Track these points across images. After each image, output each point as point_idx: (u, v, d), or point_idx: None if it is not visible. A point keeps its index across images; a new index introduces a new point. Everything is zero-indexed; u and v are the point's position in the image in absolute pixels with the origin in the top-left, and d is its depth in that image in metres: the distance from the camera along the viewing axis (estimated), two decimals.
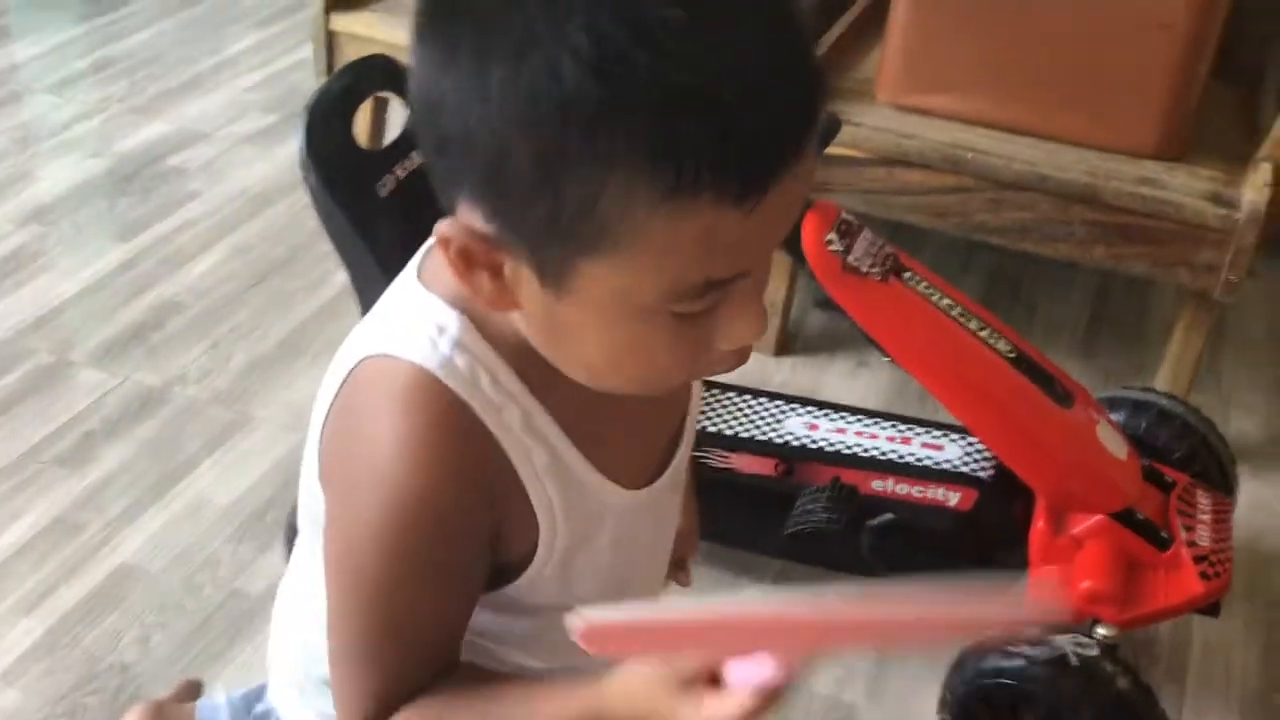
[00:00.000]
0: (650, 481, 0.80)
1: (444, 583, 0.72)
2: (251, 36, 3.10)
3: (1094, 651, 1.26)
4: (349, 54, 2.05)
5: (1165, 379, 1.84)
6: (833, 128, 1.35)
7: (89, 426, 1.85)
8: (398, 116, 1.55)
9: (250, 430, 1.86)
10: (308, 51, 2.23)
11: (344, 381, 0.73)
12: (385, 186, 1.45)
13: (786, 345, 2.08)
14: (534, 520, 0.73)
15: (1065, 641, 1.28)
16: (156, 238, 2.30)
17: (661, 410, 0.81)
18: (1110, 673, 1.27)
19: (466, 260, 0.66)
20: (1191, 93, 1.76)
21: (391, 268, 1.38)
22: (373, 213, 1.42)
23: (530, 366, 0.70)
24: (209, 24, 3.15)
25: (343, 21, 2.09)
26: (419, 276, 0.75)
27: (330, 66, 2.10)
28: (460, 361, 0.69)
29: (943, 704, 1.39)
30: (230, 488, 1.76)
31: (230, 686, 1.45)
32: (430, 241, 0.76)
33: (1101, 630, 1.29)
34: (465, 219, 0.65)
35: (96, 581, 1.60)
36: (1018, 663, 1.28)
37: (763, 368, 2.04)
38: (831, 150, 1.77)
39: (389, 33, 2.06)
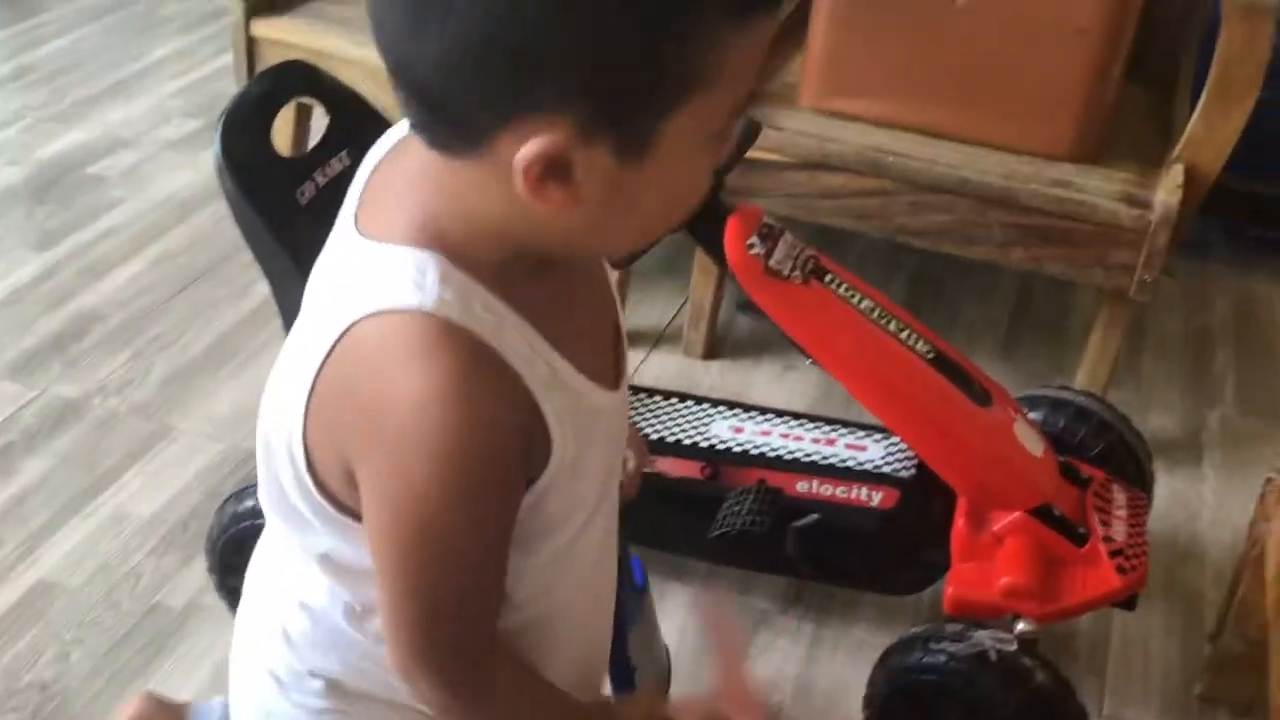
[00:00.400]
0: (617, 381, 0.82)
1: (506, 517, 0.73)
2: (174, 42, 3.06)
3: (1013, 647, 1.28)
4: (270, 60, 2.03)
5: (1084, 377, 1.87)
6: (752, 131, 1.35)
7: (7, 439, 1.82)
8: (320, 123, 1.54)
9: (171, 441, 1.84)
10: (231, 57, 2.21)
11: (329, 356, 0.71)
12: (305, 194, 1.44)
13: (714, 349, 2.09)
14: (548, 436, 0.73)
15: (985, 637, 1.29)
16: (76, 247, 2.26)
17: (602, 312, 0.85)
18: (1029, 667, 1.29)
19: (543, 177, 0.65)
20: (1106, 96, 1.80)
21: (311, 272, 1.39)
22: (293, 220, 1.41)
23: (504, 285, 0.71)
24: (131, 30, 3.11)
25: (263, 27, 2.07)
26: (363, 235, 0.74)
27: (251, 73, 2.09)
28: (451, 296, 0.68)
29: (867, 701, 1.40)
30: (152, 500, 1.73)
31: None
32: (353, 202, 0.77)
33: (1021, 625, 1.31)
34: (538, 137, 0.64)
35: (15, 597, 1.57)
36: (939, 658, 1.30)
37: (690, 371, 2.05)
38: (755, 154, 1.79)
39: (310, 38, 2.05)
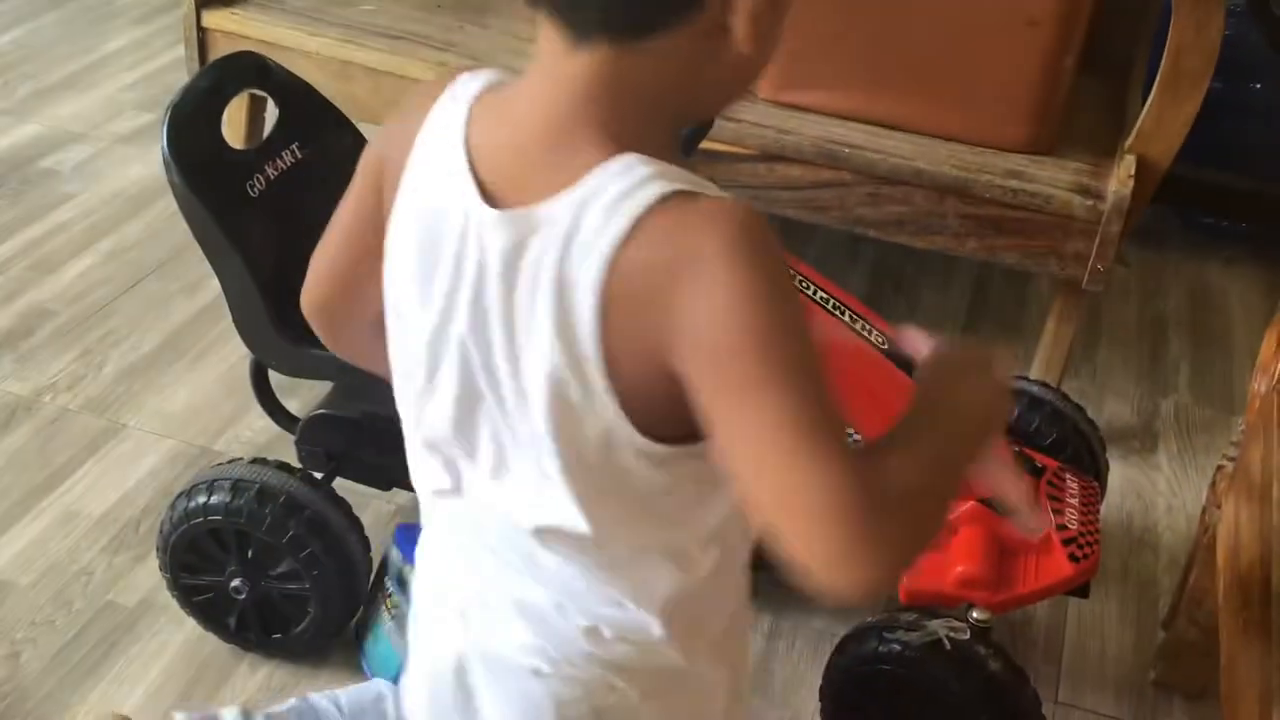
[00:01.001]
0: None
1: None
2: (128, 35, 3.02)
3: (966, 635, 1.29)
4: (222, 51, 2.01)
5: (1039, 366, 1.88)
6: (704, 125, 1.36)
7: None
8: (272, 116, 1.52)
9: (123, 438, 1.82)
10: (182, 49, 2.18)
11: (604, 289, 0.68)
12: (255, 187, 1.43)
13: None
14: None
15: (939, 625, 1.30)
16: (27, 242, 2.23)
17: None
18: (983, 655, 1.29)
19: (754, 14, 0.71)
20: (1059, 88, 1.81)
21: (262, 266, 1.37)
22: (242, 212, 1.40)
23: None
24: (83, 22, 3.07)
25: (215, 19, 2.05)
26: (543, 199, 0.71)
27: (202, 64, 2.06)
28: (671, 171, 0.71)
29: (823, 691, 1.40)
30: (103, 498, 1.71)
31: (107, 701, 1.43)
32: (471, 200, 0.74)
33: (975, 614, 1.32)
34: None
35: None
36: (893, 647, 1.30)
37: None
38: (713, 146, 1.79)
39: (262, 30, 2.03)
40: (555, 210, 0.71)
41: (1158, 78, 1.70)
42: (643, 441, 0.73)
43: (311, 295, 0.94)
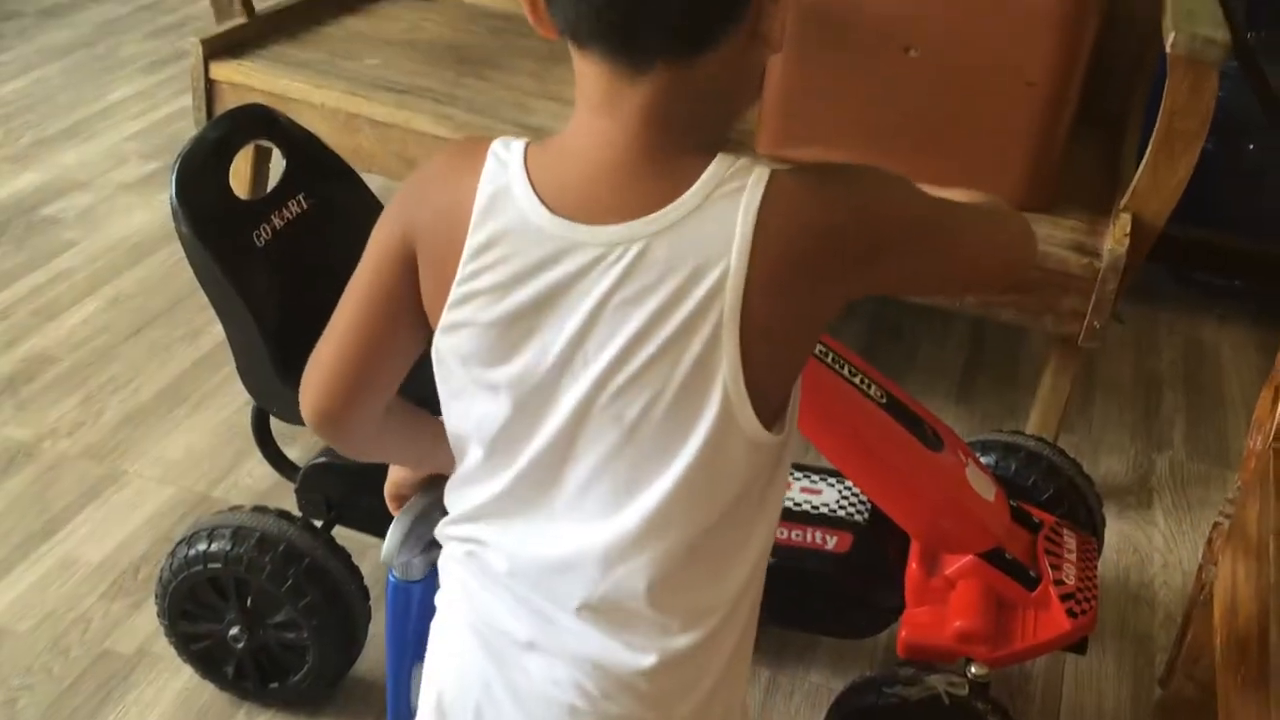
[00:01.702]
0: None
1: None
2: (134, 84, 3.05)
3: (965, 690, 1.29)
4: (229, 103, 2.03)
5: (1036, 421, 1.90)
6: None
7: None
8: (278, 166, 1.54)
9: (123, 485, 1.82)
10: (190, 99, 2.21)
11: (768, 193, 0.75)
12: (262, 236, 1.45)
13: None
14: None
15: (937, 680, 1.30)
16: (29, 289, 2.24)
17: None
18: (981, 711, 1.29)
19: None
20: (1055, 146, 1.83)
21: (267, 314, 1.38)
22: (248, 261, 1.41)
23: None
24: (89, 72, 3.10)
25: (223, 70, 2.07)
26: (650, 213, 0.76)
27: (210, 115, 2.09)
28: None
29: None
30: (102, 544, 1.71)
31: None
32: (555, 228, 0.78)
33: (974, 669, 1.32)
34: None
35: None
36: (891, 701, 1.30)
37: None
38: None
39: (269, 82, 2.05)
40: (675, 214, 0.75)
41: (1152, 139, 1.72)
42: (759, 429, 0.78)
43: (325, 400, 0.90)
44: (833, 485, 1.53)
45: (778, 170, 0.76)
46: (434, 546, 1.26)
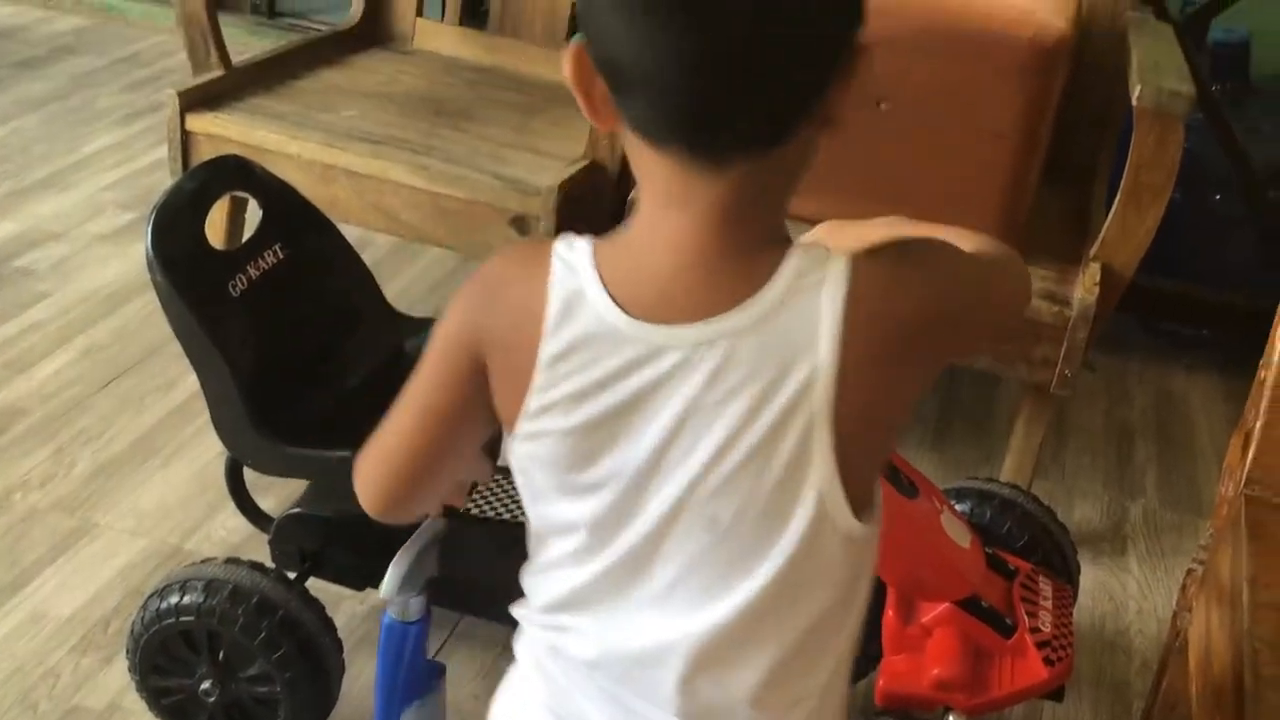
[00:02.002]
0: None
1: None
2: (109, 136, 3.06)
3: None
4: (205, 154, 2.04)
5: (1010, 468, 1.91)
6: None
7: None
8: (254, 217, 1.55)
9: (94, 537, 1.80)
10: (166, 151, 2.21)
11: (851, 284, 0.74)
12: (238, 286, 1.45)
13: None
14: None
15: None
16: (1, 340, 2.23)
17: None
18: None
19: None
20: (1025, 196, 1.86)
21: (242, 365, 1.38)
22: (223, 312, 1.41)
23: None
24: (65, 123, 3.11)
25: (198, 122, 2.08)
26: (734, 307, 0.75)
27: (185, 166, 2.09)
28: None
29: None
30: (72, 598, 1.69)
31: None
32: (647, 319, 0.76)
33: (951, 717, 1.32)
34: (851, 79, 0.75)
35: None
36: None
37: None
38: None
39: (245, 133, 2.06)
40: (757, 311, 0.73)
41: (1120, 190, 1.75)
42: (852, 523, 0.77)
43: (388, 502, 0.91)
44: None
45: (855, 257, 0.74)
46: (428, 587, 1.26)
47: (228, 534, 1.82)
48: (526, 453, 0.81)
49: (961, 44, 1.75)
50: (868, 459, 0.78)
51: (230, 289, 1.43)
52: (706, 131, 0.72)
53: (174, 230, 1.40)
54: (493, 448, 1.89)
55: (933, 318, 0.77)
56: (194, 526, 1.84)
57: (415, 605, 1.24)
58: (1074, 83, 1.87)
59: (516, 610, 0.90)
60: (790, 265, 0.74)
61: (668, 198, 0.75)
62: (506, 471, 1.68)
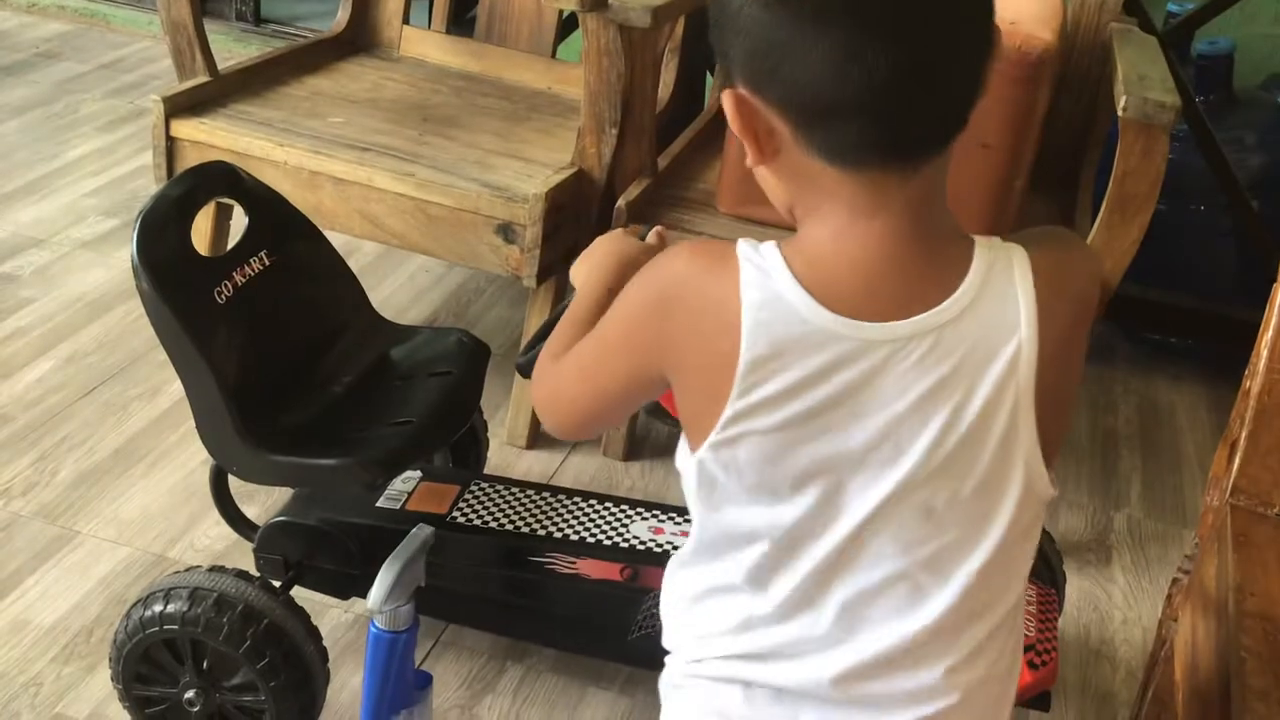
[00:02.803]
0: None
1: None
2: (92, 142, 3.04)
3: None
4: (190, 160, 2.03)
5: None
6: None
7: None
8: (239, 223, 1.54)
9: (77, 546, 1.79)
10: (150, 157, 2.20)
11: (1035, 267, 0.78)
12: (223, 293, 1.44)
13: (634, 450, 2.10)
14: None
15: None
16: None
17: None
18: None
19: None
20: (1010, 207, 1.86)
21: (227, 372, 1.38)
22: (209, 319, 1.40)
23: None
24: (47, 130, 3.09)
25: (184, 128, 2.07)
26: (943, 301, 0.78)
27: (170, 173, 2.08)
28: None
29: None
30: (54, 606, 1.68)
31: None
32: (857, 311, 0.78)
33: None
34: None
35: None
36: None
37: (610, 472, 2.05)
38: None
39: (231, 140, 2.05)
40: (962, 301, 0.77)
41: (1105, 201, 1.75)
42: (1050, 489, 0.81)
43: (567, 430, 0.96)
44: None
45: (1020, 245, 0.80)
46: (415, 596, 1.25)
47: (211, 542, 1.81)
48: (721, 458, 0.80)
49: None
50: (1056, 431, 0.82)
51: (216, 296, 1.43)
52: (908, 143, 0.76)
53: (160, 237, 1.39)
54: (477, 455, 1.88)
55: (1091, 293, 0.83)
56: (177, 535, 1.83)
57: (403, 614, 1.23)
58: (1060, 93, 1.88)
59: (679, 658, 0.88)
60: (980, 255, 0.78)
61: (853, 210, 0.77)
62: (494, 480, 1.68)
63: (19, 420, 2.04)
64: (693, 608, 0.88)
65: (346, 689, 1.58)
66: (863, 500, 0.79)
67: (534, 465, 2.03)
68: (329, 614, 1.68)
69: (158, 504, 1.88)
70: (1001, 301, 0.77)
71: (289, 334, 1.50)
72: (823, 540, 0.80)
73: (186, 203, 1.45)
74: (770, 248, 0.78)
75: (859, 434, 0.78)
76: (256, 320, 1.45)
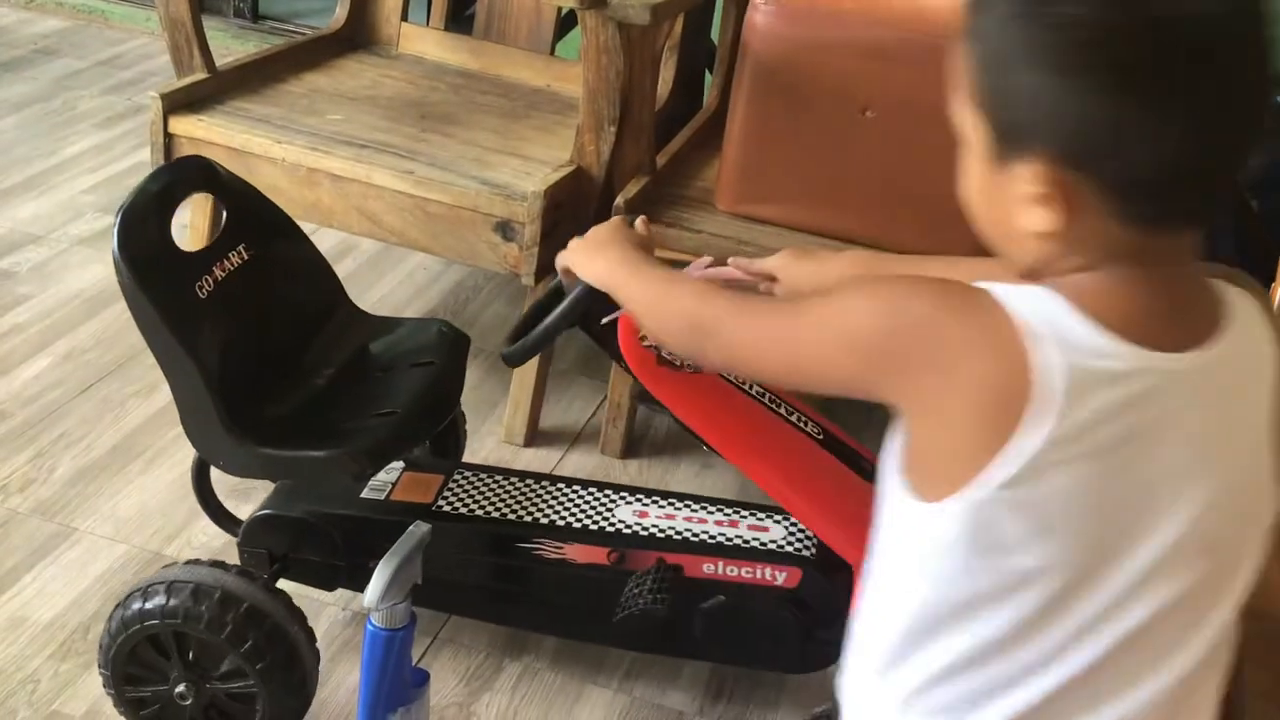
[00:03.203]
0: None
1: None
2: (89, 139, 3.04)
3: None
4: None
5: None
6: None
7: None
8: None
9: (74, 542, 1.79)
10: (148, 154, 2.20)
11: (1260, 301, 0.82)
12: (204, 287, 1.44)
13: (632, 447, 2.10)
14: None
15: None
16: None
17: None
18: None
19: None
20: None
21: (210, 366, 1.38)
22: (191, 313, 1.40)
23: None
24: (45, 126, 3.09)
25: (182, 125, 2.07)
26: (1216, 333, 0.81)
27: None
28: None
29: None
30: (52, 603, 1.68)
31: None
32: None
33: None
34: None
35: None
36: None
37: (608, 469, 2.05)
38: (673, 256, 1.82)
39: (229, 136, 2.05)
40: (1231, 335, 0.80)
41: None
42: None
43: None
44: (779, 522, 1.53)
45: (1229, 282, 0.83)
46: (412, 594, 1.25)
47: (208, 539, 1.80)
48: (1017, 497, 0.75)
49: (945, 52, 1.75)
50: None
51: (197, 290, 1.43)
52: (1213, 205, 0.79)
53: (140, 232, 1.39)
54: (457, 445, 1.88)
55: None
56: (174, 532, 1.82)
57: (400, 612, 1.23)
58: None
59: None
60: (1228, 290, 0.82)
61: (1139, 259, 0.77)
62: (478, 468, 1.67)
63: (16, 417, 2.04)
64: (913, 705, 0.83)
65: (343, 687, 1.58)
66: (1155, 539, 0.77)
67: (532, 463, 2.03)
68: (326, 612, 1.68)
69: (155, 501, 1.88)
70: (1252, 337, 0.82)
71: (270, 327, 1.51)
72: (1103, 589, 0.78)
73: (165, 198, 1.45)
74: (1046, 291, 0.77)
75: (1156, 470, 0.77)
76: (237, 314, 1.45)
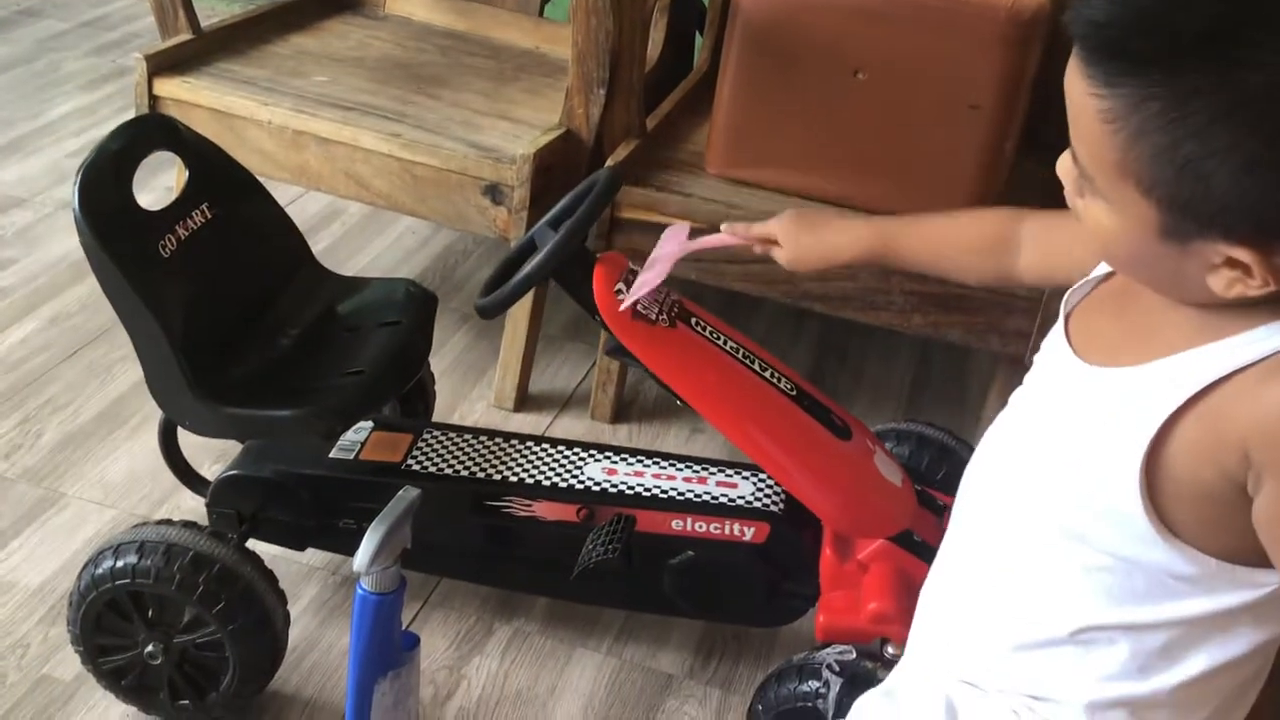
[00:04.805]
0: None
1: None
2: (74, 101, 3.01)
3: (882, 670, 1.29)
4: None
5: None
6: (614, 183, 1.40)
7: None
8: (182, 177, 1.52)
9: (62, 508, 1.78)
10: (133, 116, 2.17)
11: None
12: (167, 246, 1.43)
13: (621, 412, 2.10)
14: None
15: (828, 655, 1.32)
16: None
17: None
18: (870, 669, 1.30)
19: None
20: (1000, 169, 1.85)
21: (174, 325, 1.37)
22: (154, 272, 1.39)
23: None
24: (30, 88, 3.06)
25: (167, 87, 2.05)
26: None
27: None
28: None
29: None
30: (40, 568, 1.68)
31: None
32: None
33: (890, 649, 1.33)
34: None
35: None
36: (814, 684, 1.31)
37: (598, 434, 2.05)
38: (663, 219, 1.81)
39: (214, 99, 2.03)
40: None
41: None
42: None
43: None
44: (748, 478, 1.54)
45: None
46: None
47: (196, 504, 1.78)
48: None
49: (938, 14, 1.74)
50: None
51: (160, 249, 1.41)
52: None
53: (101, 191, 1.38)
54: (425, 405, 1.87)
55: None
56: (162, 497, 1.82)
57: (390, 576, 1.23)
58: (1049, 61, 1.87)
59: None
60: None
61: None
62: (447, 428, 1.66)
63: (2, 382, 2.03)
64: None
65: (334, 650, 1.58)
66: None
67: (522, 427, 2.03)
68: (315, 575, 1.68)
69: (143, 466, 1.88)
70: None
71: (234, 286, 1.50)
72: None
73: (125, 156, 1.44)
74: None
75: None
76: (201, 273, 1.44)
